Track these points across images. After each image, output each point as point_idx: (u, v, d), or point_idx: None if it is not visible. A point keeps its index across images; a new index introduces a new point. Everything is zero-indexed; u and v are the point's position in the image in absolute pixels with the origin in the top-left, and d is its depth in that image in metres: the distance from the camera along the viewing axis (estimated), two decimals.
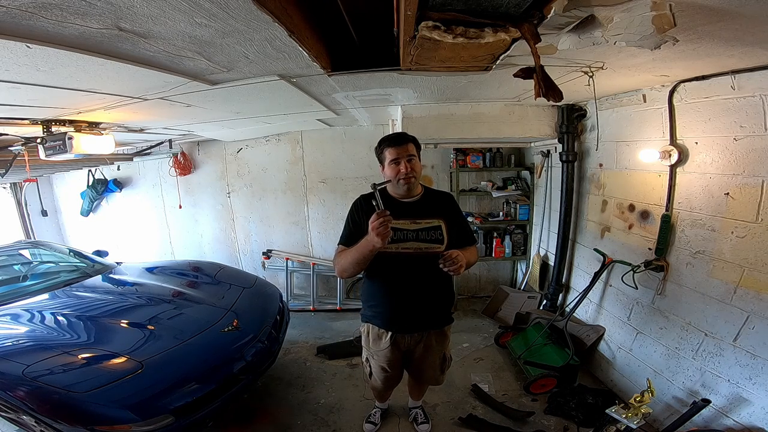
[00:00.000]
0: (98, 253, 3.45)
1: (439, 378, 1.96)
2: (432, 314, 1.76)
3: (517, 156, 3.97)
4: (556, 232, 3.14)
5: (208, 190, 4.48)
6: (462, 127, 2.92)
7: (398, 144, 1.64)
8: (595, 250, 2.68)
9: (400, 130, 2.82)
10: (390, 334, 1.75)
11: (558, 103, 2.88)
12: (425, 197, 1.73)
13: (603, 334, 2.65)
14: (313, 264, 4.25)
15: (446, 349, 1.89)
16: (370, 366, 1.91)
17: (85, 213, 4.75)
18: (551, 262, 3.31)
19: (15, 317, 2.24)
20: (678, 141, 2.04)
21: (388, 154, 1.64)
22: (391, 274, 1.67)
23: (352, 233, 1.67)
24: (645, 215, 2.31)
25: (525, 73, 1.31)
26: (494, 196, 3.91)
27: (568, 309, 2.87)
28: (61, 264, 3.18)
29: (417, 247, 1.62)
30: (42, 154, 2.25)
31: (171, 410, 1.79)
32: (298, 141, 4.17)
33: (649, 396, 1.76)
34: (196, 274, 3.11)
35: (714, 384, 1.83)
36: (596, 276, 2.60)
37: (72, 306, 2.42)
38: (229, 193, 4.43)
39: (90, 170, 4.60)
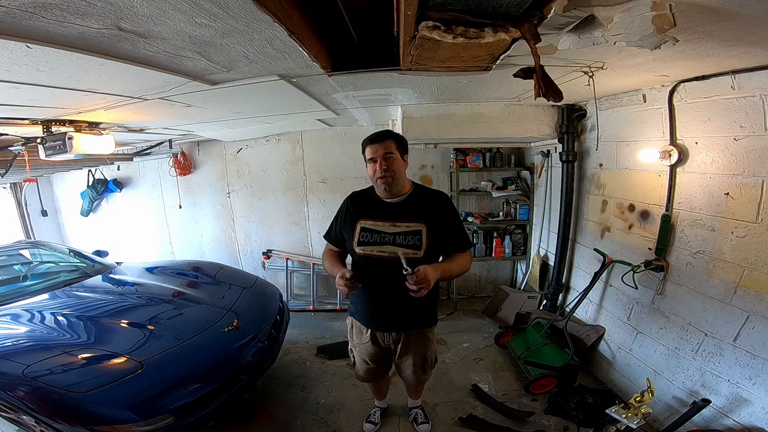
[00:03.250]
0: (98, 253, 3.45)
1: (421, 377, 1.96)
2: (409, 316, 1.74)
3: (517, 156, 3.97)
4: (556, 232, 3.14)
5: (208, 190, 4.48)
6: (462, 127, 2.92)
7: (376, 141, 1.60)
8: (595, 250, 2.68)
9: (400, 130, 2.83)
10: (369, 330, 1.79)
11: (558, 103, 2.88)
12: (412, 197, 1.68)
13: (603, 334, 2.65)
14: (313, 264, 4.25)
15: (428, 351, 1.87)
16: (353, 356, 1.96)
17: (85, 213, 4.75)
18: (551, 262, 3.31)
19: (15, 317, 2.24)
20: (678, 141, 2.04)
21: (367, 153, 1.62)
22: (369, 275, 1.67)
23: (332, 233, 1.82)
24: (645, 215, 2.31)
25: (525, 73, 1.31)
26: (494, 196, 3.91)
27: (568, 309, 2.87)
28: (61, 264, 3.18)
29: (392, 252, 1.58)
30: (42, 154, 2.25)
31: (171, 410, 1.79)
32: (298, 141, 4.17)
33: (649, 396, 1.76)
34: (196, 274, 3.11)
35: (714, 384, 1.83)
36: (596, 276, 2.60)
37: (72, 306, 2.42)
38: (229, 193, 4.43)
39: (90, 170, 4.60)
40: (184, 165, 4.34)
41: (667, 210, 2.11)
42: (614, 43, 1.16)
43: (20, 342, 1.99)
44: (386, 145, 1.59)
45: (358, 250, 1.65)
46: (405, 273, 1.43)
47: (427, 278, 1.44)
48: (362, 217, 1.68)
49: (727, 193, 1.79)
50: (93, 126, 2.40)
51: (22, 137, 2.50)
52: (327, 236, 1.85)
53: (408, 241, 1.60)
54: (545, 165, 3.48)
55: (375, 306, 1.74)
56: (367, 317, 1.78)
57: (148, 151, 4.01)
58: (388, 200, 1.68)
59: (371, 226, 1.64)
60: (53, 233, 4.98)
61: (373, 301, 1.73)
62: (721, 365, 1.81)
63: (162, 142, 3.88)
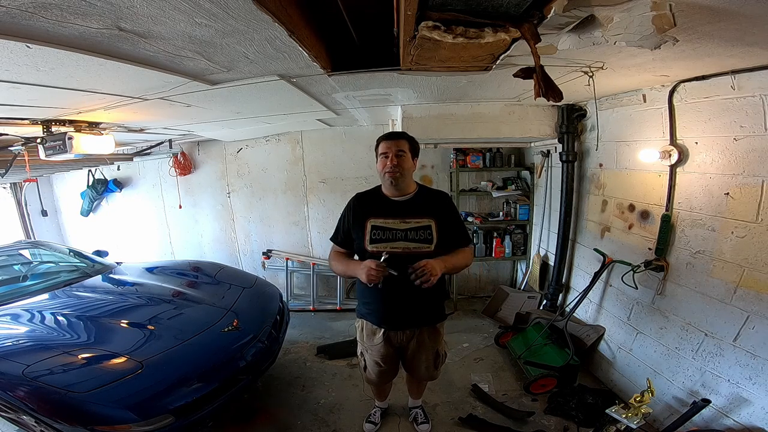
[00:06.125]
0: (98, 253, 3.45)
1: (433, 374, 1.97)
2: (423, 312, 1.78)
3: (517, 156, 3.97)
4: (556, 232, 3.14)
5: (208, 190, 4.48)
6: (462, 127, 2.92)
7: (390, 139, 1.70)
8: (595, 250, 2.68)
9: (401, 130, 2.83)
10: (383, 330, 1.79)
11: (558, 103, 2.88)
12: (418, 196, 1.74)
13: (603, 334, 2.65)
14: (313, 264, 4.25)
15: (440, 346, 1.90)
16: (364, 360, 1.95)
17: (85, 213, 4.75)
18: (551, 262, 3.31)
19: (15, 317, 2.24)
20: (678, 141, 2.04)
21: (380, 148, 1.71)
22: None
23: (339, 235, 1.82)
24: (645, 215, 2.31)
25: (525, 73, 1.31)
26: (494, 196, 3.91)
27: (568, 309, 2.87)
28: (61, 264, 3.18)
29: (405, 247, 1.64)
30: (42, 154, 2.25)
31: (171, 410, 1.79)
32: (298, 141, 4.17)
33: (649, 396, 1.76)
34: (196, 274, 3.11)
35: (714, 384, 1.83)
36: (596, 276, 2.60)
37: (72, 306, 2.42)
38: (229, 193, 4.43)
39: (90, 170, 4.60)
40: (184, 165, 4.34)
41: (667, 210, 2.11)
42: (614, 43, 1.16)
43: (20, 342, 1.99)
44: (400, 143, 1.68)
45: (370, 248, 1.66)
46: (395, 275, 1.52)
47: (428, 266, 1.50)
48: (372, 215, 1.70)
49: (727, 193, 1.79)
50: (93, 126, 2.40)
51: (22, 137, 2.50)
52: (334, 238, 1.85)
53: (419, 235, 1.64)
54: (545, 165, 3.48)
55: (389, 304, 1.74)
56: (381, 316, 1.78)
57: (148, 151, 4.01)
58: (396, 198, 1.72)
59: (382, 224, 1.67)
60: (53, 233, 4.98)
61: (386, 300, 1.73)
62: (721, 365, 1.81)
63: (162, 142, 3.89)
